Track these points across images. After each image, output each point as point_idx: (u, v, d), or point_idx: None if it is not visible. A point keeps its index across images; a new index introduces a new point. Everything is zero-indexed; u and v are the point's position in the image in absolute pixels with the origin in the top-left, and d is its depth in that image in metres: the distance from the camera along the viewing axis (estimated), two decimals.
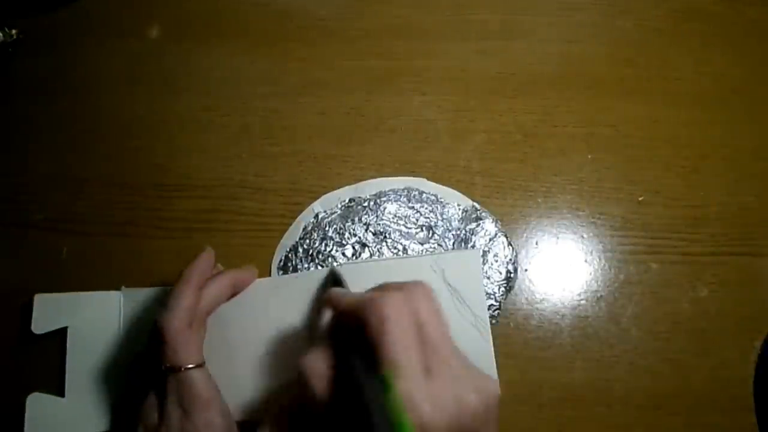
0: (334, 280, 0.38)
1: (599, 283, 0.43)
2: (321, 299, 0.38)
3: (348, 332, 0.29)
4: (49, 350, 0.40)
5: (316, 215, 0.43)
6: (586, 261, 0.43)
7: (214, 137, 0.46)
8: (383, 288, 0.30)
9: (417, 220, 0.43)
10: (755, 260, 0.43)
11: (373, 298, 0.28)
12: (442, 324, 0.29)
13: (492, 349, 0.39)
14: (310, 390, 0.28)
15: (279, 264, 0.42)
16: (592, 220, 0.44)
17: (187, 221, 0.44)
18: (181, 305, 0.34)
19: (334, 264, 0.41)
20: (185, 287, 0.35)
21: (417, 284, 0.30)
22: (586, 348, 0.41)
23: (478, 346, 0.39)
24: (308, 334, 0.38)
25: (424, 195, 0.44)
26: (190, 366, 0.33)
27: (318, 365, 0.28)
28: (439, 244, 0.42)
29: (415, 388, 0.25)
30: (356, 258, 0.42)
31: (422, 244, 0.42)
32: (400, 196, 0.44)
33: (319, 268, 0.41)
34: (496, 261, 0.42)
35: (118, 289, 0.40)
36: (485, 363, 0.39)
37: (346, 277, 0.40)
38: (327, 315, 0.38)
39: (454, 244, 0.42)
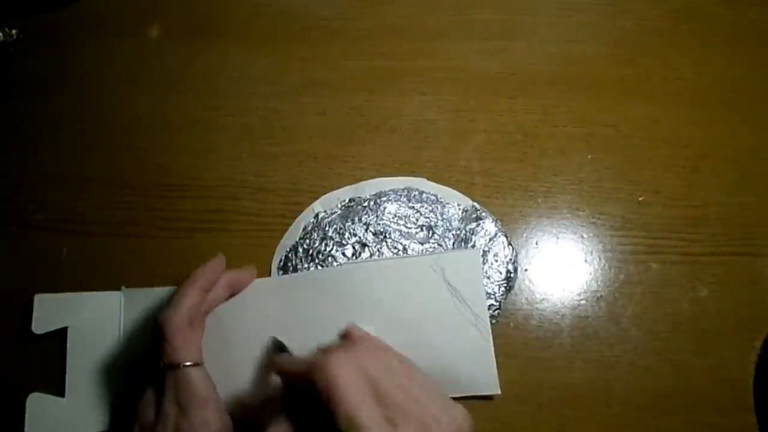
0: (278, 347, 0.38)
1: (599, 283, 0.43)
2: (266, 366, 0.38)
3: (301, 397, 0.29)
4: (49, 350, 0.40)
5: (316, 215, 0.43)
6: (586, 261, 0.43)
7: (215, 137, 0.46)
8: (327, 350, 0.31)
9: (417, 220, 0.43)
10: (755, 260, 0.43)
11: (319, 361, 0.28)
12: (396, 374, 0.29)
13: (492, 348, 0.39)
14: None
15: (279, 264, 0.42)
16: (592, 220, 0.44)
17: (187, 221, 0.44)
18: (183, 304, 0.34)
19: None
20: (190, 288, 0.35)
21: (362, 339, 0.31)
22: (586, 348, 0.41)
23: (478, 346, 0.39)
24: (256, 398, 0.38)
25: (424, 195, 0.44)
26: (189, 364, 0.33)
27: None
28: (439, 244, 0.42)
29: None
30: (356, 258, 0.42)
31: (422, 244, 0.42)
32: (400, 196, 0.44)
33: (319, 267, 0.41)
34: (496, 261, 0.42)
35: (118, 289, 0.40)
36: (485, 363, 0.39)
37: (347, 277, 0.40)
38: (273, 381, 0.37)
39: (454, 243, 0.42)
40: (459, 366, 0.38)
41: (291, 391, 0.31)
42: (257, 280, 0.40)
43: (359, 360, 0.29)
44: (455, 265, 0.40)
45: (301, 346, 0.38)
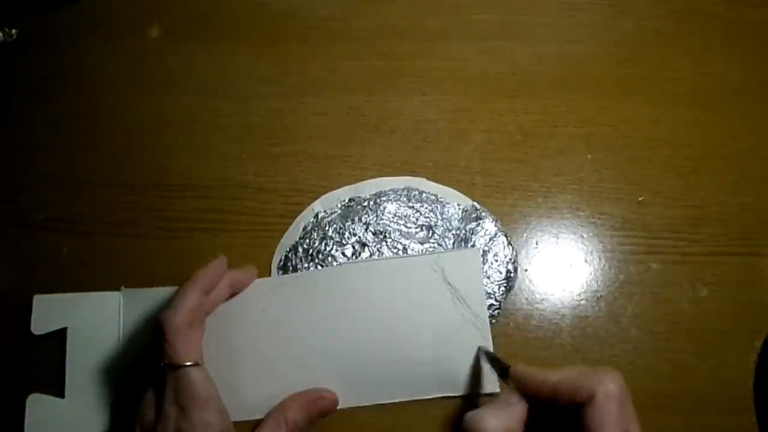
0: (492, 359, 0.37)
1: (599, 283, 0.43)
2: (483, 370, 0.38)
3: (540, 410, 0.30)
4: (49, 351, 0.40)
5: (316, 215, 0.43)
6: (586, 261, 0.43)
7: (215, 137, 0.46)
8: (587, 370, 0.31)
9: (417, 219, 0.43)
10: (755, 260, 0.43)
11: (598, 375, 0.29)
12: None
13: (492, 347, 0.39)
14: None
15: (279, 264, 0.42)
16: (592, 220, 0.44)
17: (187, 221, 0.44)
18: (184, 304, 0.34)
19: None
20: (191, 288, 0.35)
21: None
22: (586, 348, 0.41)
23: (479, 345, 0.39)
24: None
25: (424, 195, 0.44)
26: (189, 364, 0.33)
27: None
28: (439, 244, 0.42)
29: None
30: (356, 258, 0.42)
31: (422, 244, 0.42)
32: (400, 195, 0.44)
33: (319, 267, 0.41)
34: (496, 261, 0.42)
35: (117, 289, 0.40)
36: (485, 362, 0.39)
37: (347, 276, 0.40)
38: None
39: (454, 243, 0.42)
40: (459, 365, 0.38)
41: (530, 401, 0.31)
42: (257, 280, 0.40)
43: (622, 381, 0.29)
44: (455, 264, 0.40)
45: (301, 344, 0.39)
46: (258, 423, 0.36)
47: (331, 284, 0.40)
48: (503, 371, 0.33)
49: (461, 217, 0.43)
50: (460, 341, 0.39)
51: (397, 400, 0.38)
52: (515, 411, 0.30)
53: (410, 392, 0.38)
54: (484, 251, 0.42)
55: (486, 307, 0.40)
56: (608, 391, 0.28)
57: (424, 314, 0.39)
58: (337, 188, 0.44)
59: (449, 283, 0.40)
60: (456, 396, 0.39)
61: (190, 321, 0.34)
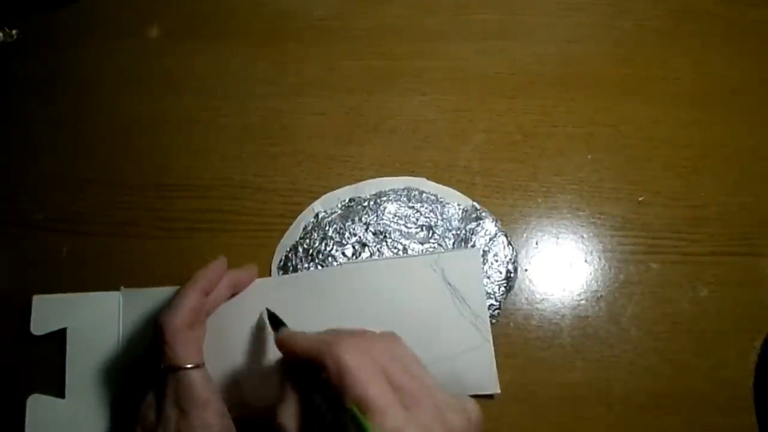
0: (275, 321, 0.37)
1: (599, 283, 0.43)
2: (260, 338, 0.38)
3: (303, 374, 0.29)
4: (49, 351, 0.40)
5: (316, 215, 0.43)
6: (586, 261, 0.43)
7: (215, 137, 0.46)
8: (338, 332, 0.30)
9: (417, 219, 0.43)
10: (755, 260, 0.43)
11: (330, 341, 0.28)
12: (407, 362, 0.29)
13: (492, 348, 0.39)
14: None
15: (279, 264, 0.42)
16: (592, 220, 0.44)
17: (187, 221, 0.44)
18: (184, 305, 0.34)
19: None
20: (191, 289, 0.35)
21: (380, 335, 0.30)
22: (586, 348, 0.41)
23: (479, 345, 0.39)
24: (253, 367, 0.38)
25: (424, 195, 0.44)
26: (189, 366, 0.33)
27: (289, 423, 0.28)
28: (439, 244, 0.42)
29: (398, 419, 0.25)
30: (356, 258, 0.42)
31: (422, 244, 0.42)
32: (400, 195, 0.44)
33: (319, 267, 0.41)
34: (496, 261, 0.42)
35: (117, 289, 0.40)
36: (485, 362, 0.39)
37: (347, 276, 0.40)
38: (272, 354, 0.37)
39: (454, 243, 0.42)
40: (459, 365, 0.38)
41: (293, 367, 0.31)
42: (258, 280, 0.40)
43: (371, 345, 0.28)
44: (455, 264, 0.40)
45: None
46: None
47: (331, 284, 0.40)
48: (277, 327, 0.35)
49: (461, 217, 0.43)
50: (461, 341, 0.39)
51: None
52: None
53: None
54: (484, 251, 0.42)
55: (486, 307, 0.40)
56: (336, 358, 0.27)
57: (424, 314, 0.39)
58: (337, 188, 0.44)
59: (449, 283, 0.40)
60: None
61: (190, 322, 0.34)
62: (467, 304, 0.39)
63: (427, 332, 0.39)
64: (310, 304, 0.39)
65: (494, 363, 0.39)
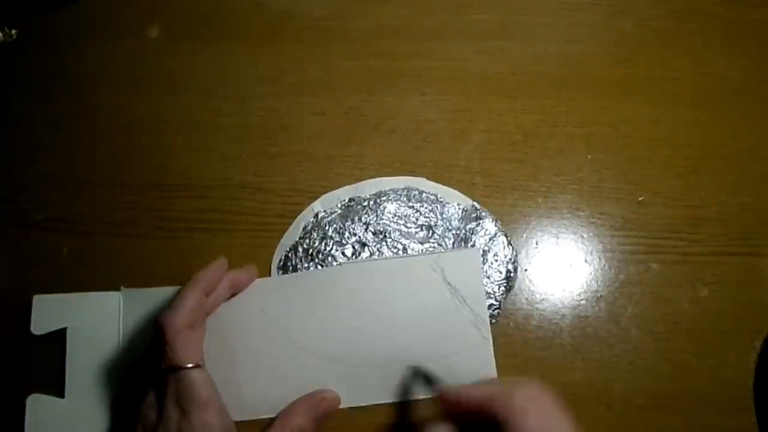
0: (423, 376, 0.37)
1: (599, 283, 0.43)
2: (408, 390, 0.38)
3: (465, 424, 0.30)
4: (49, 351, 0.40)
5: (316, 215, 0.43)
6: (586, 261, 0.43)
7: (214, 137, 0.46)
8: (512, 382, 0.31)
9: (417, 219, 0.43)
10: (755, 260, 0.43)
11: (504, 394, 0.29)
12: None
13: (492, 347, 0.39)
14: None
15: (279, 264, 0.42)
16: (592, 220, 0.44)
17: (187, 221, 0.44)
18: (184, 306, 0.34)
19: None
20: (191, 290, 0.35)
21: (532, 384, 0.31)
22: (586, 348, 0.41)
23: (478, 345, 0.39)
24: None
25: (424, 195, 0.44)
26: (189, 366, 0.33)
27: None
28: (439, 244, 0.42)
29: None
30: (356, 257, 0.42)
31: (422, 244, 0.42)
32: (400, 195, 0.44)
33: (319, 267, 0.41)
34: (496, 261, 0.42)
35: (117, 289, 0.40)
36: (485, 361, 0.39)
37: (347, 276, 0.40)
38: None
39: (454, 243, 0.42)
40: (459, 365, 0.38)
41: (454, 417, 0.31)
42: (258, 280, 0.40)
43: (541, 394, 0.30)
44: (455, 264, 0.40)
45: (301, 344, 0.39)
46: (265, 428, 0.37)
47: (331, 284, 0.40)
48: (429, 382, 0.35)
49: (461, 217, 0.43)
50: (460, 341, 0.39)
51: (397, 401, 0.38)
52: None
53: (410, 392, 0.38)
54: (484, 251, 0.42)
55: (486, 307, 0.40)
56: (523, 407, 0.29)
57: (423, 314, 0.39)
58: (337, 188, 0.44)
59: (449, 283, 0.40)
60: None
61: (190, 322, 0.34)
62: (467, 304, 0.39)
63: (427, 331, 0.39)
64: (309, 304, 0.39)
65: (494, 362, 0.39)
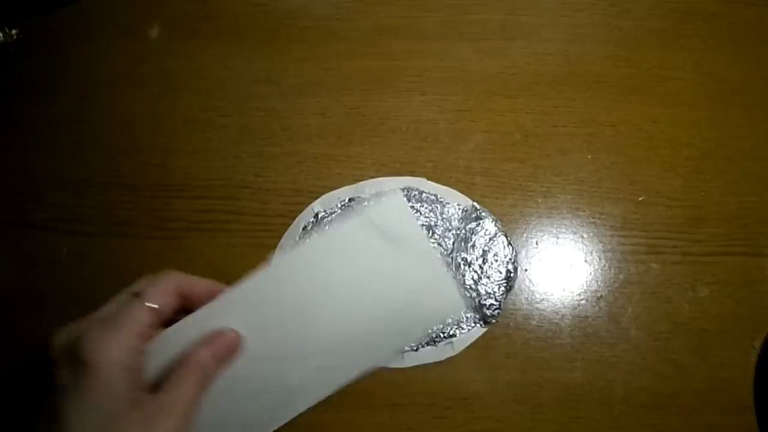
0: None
1: (599, 283, 0.43)
2: None
3: None
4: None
5: (316, 215, 0.43)
6: (586, 261, 0.43)
7: (214, 137, 0.46)
8: None
9: (417, 219, 0.43)
10: (755, 260, 0.43)
11: None
12: None
13: (444, 269, 0.36)
14: None
15: None
16: (592, 220, 0.44)
17: (187, 221, 0.44)
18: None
19: None
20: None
21: None
22: (586, 348, 0.41)
23: (432, 275, 0.36)
24: None
25: (424, 195, 0.44)
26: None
27: None
28: (439, 244, 0.42)
29: None
30: None
31: None
32: None
33: None
34: (496, 261, 0.42)
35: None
36: (443, 285, 0.36)
37: (293, 267, 0.36)
38: None
39: (454, 243, 0.42)
40: (424, 301, 0.35)
41: None
42: (213, 303, 0.35)
43: None
44: (383, 214, 0.37)
45: (275, 352, 0.35)
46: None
47: (282, 282, 0.36)
48: None
49: (461, 217, 0.43)
50: (417, 280, 0.35)
51: (383, 365, 0.37)
52: None
53: (392, 349, 0.37)
54: (483, 251, 0.42)
55: (427, 239, 0.37)
56: None
57: (377, 272, 0.37)
58: (337, 188, 0.44)
59: (386, 236, 0.37)
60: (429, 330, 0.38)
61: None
62: (412, 248, 0.35)
63: (386, 286, 0.35)
64: (270, 311, 0.35)
65: (452, 282, 0.36)
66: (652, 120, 0.47)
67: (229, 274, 0.42)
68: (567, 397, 0.40)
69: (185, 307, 0.33)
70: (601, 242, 0.44)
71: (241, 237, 0.43)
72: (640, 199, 0.45)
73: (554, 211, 0.44)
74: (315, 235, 0.38)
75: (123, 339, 0.29)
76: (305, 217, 0.43)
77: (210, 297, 0.34)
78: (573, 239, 0.44)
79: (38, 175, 0.45)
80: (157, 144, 0.46)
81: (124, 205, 0.44)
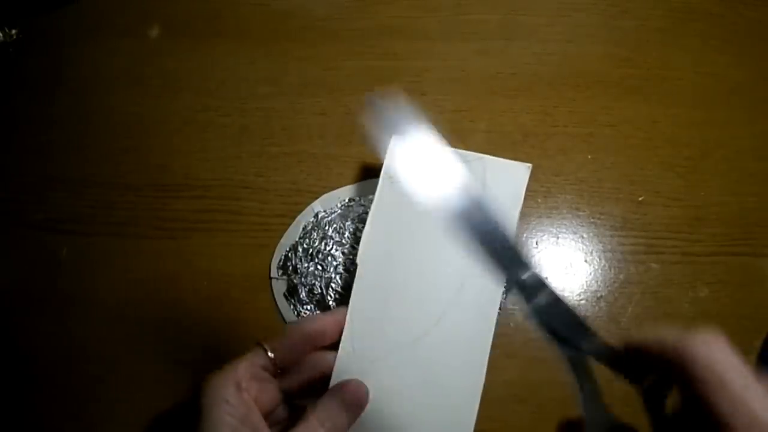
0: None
1: (599, 283, 0.43)
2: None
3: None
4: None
5: (316, 215, 0.43)
6: (586, 261, 0.43)
7: (214, 137, 0.46)
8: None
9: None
10: (755, 260, 0.43)
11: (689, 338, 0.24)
12: None
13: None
14: None
15: (279, 264, 0.42)
16: (592, 220, 0.44)
17: (187, 221, 0.44)
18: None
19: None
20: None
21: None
22: None
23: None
24: None
25: None
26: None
27: None
28: None
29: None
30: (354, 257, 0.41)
31: None
32: None
33: (320, 267, 0.41)
34: None
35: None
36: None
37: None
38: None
39: None
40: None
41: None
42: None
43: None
44: (499, 173, 0.37)
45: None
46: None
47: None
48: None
49: None
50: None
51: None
52: None
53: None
54: None
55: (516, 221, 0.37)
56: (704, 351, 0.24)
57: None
58: (337, 188, 0.44)
59: (487, 188, 0.37)
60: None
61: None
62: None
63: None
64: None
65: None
66: (652, 120, 0.47)
67: (229, 274, 0.42)
68: (567, 397, 0.40)
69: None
70: (601, 242, 0.44)
71: (240, 237, 0.43)
72: (640, 199, 0.45)
73: (554, 211, 0.44)
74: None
75: (230, 377, 0.30)
76: (305, 217, 0.43)
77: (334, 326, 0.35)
78: (573, 239, 0.44)
79: (38, 175, 0.45)
80: (156, 144, 0.46)
81: (124, 205, 0.44)
